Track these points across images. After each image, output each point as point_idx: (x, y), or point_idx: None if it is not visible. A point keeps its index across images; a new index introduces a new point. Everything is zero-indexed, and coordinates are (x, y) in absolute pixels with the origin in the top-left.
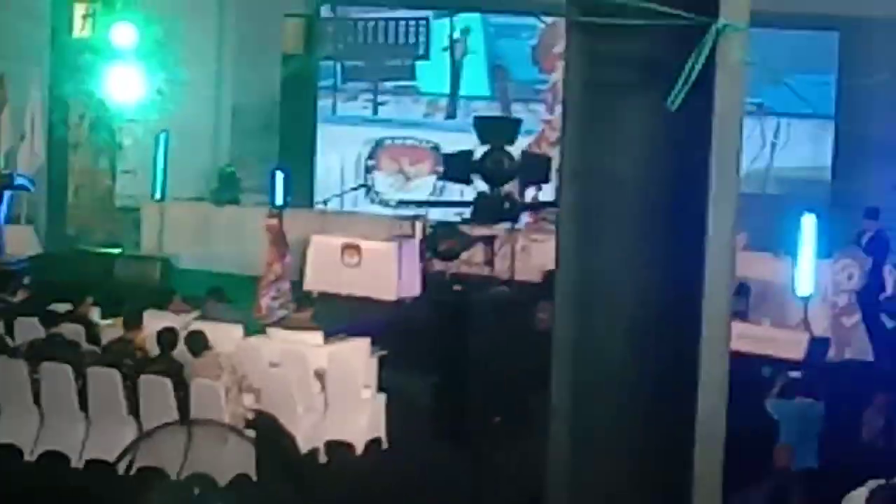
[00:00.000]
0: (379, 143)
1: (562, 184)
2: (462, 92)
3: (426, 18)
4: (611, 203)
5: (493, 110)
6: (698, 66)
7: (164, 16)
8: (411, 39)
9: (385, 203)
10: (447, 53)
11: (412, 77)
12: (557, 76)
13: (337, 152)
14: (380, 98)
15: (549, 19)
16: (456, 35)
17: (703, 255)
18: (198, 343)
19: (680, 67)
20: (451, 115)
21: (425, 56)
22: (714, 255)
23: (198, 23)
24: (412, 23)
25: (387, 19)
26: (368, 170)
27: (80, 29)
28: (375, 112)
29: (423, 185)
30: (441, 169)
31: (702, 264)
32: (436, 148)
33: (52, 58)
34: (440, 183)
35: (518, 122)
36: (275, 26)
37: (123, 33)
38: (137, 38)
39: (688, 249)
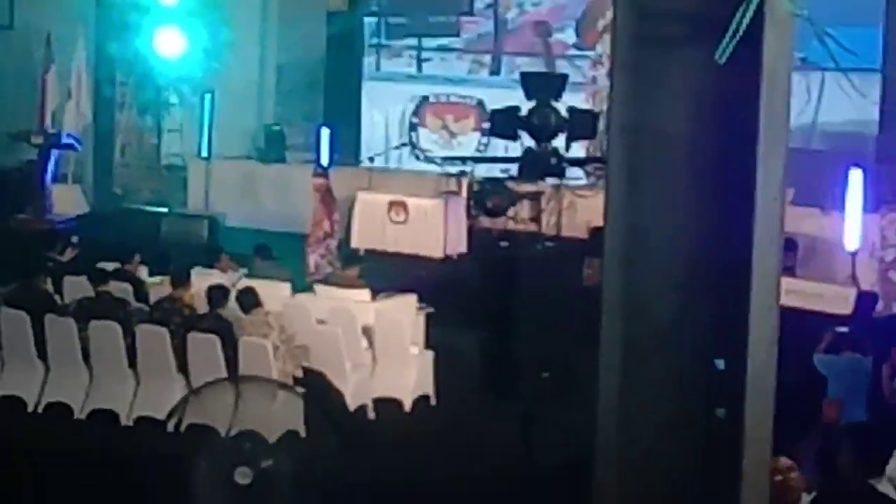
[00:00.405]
0: (423, 100)
1: (610, 139)
2: (506, 48)
3: None
4: (659, 158)
5: (538, 66)
6: (747, 19)
7: None
8: None
9: (430, 160)
10: (491, 9)
11: (456, 33)
12: (601, 49)
13: (381, 110)
14: (424, 55)
15: None
16: None
17: (752, 210)
18: (249, 300)
19: (728, 21)
20: (495, 71)
21: (469, 12)
22: (764, 210)
23: None
24: None
25: None
26: (413, 127)
27: None
28: (420, 69)
29: (468, 142)
30: (485, 125)
31: (751, 219)
32: (480, 104)
33: (98, 17)
34: (484, 139)
35: (565, 77)
36: None
37: None
38: None
39: (737, 204)
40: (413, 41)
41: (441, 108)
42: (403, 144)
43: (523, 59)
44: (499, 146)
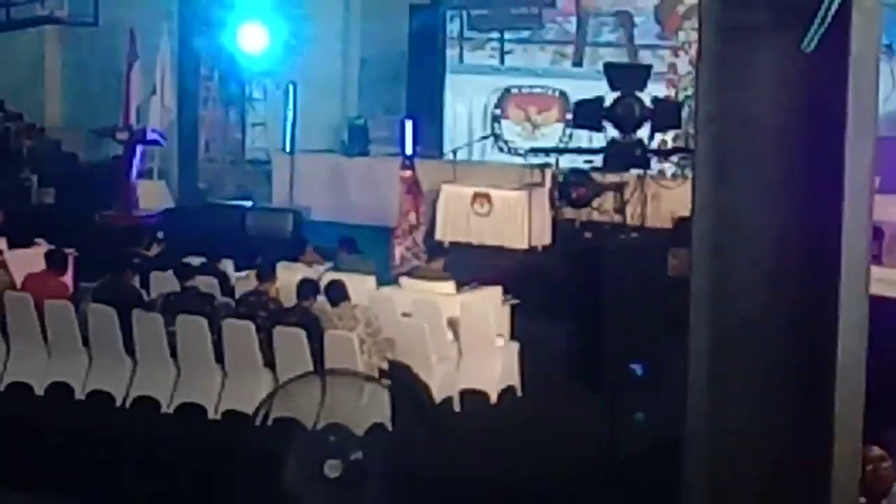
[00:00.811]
0: (506, 92)
1: (697, 128)
2: (588, 39)
3: None
4: (746, 147)
5: (621, 57)
6: (834, 7)
7: None
8: None
9: (514, 151)
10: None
11: (539, 25)
12: (684, 37)
13: (464, 102)
14: (506, 46)
15: None
16: None
17: (840, 198)
18: (337, 292)
19: (814, 9)
20: (577, 62)
21: (551, 3)
22: (852, 198)
23: None
24: None
25: None
26: (496, 119)
27: None
28: (502, 61)
29: (551, 133)
30: (568, 116)
31: (840, 207)
32: (563, 95)
33: (182, 12)
34: (568, 130)
35: (648, 68)
36: None
37: None
38: None
39: (825, 192)
40: (495, 33)
41: (524, 99)
42: (486, 137)
43: (606, 49)
44: (582, 137)
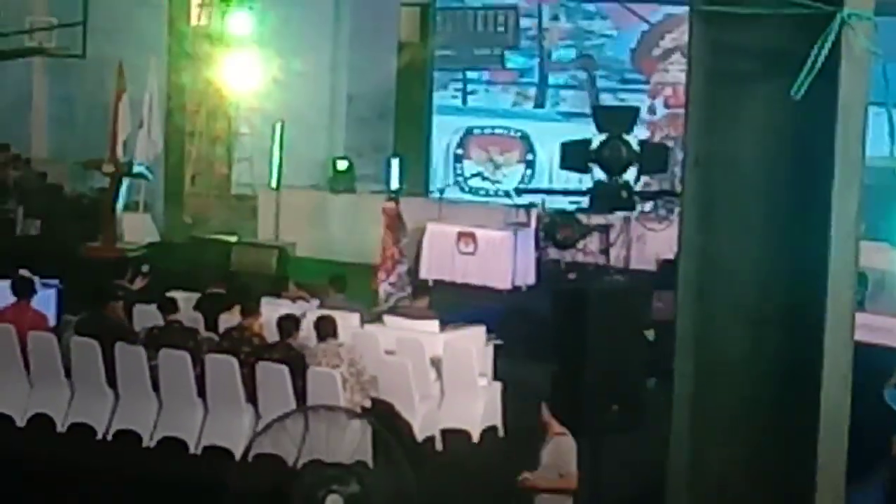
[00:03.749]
0: (468, 132)
1: (684, 172)
2: (550, 81)
3: (515, 7)
4: (733, 191)
5: (582, 99)
6: (823, 55)
7: (279, 4)
8: (500, 28)
9: (474, 192)
10: (535, 42)
11: (501, 66)
12: (658, 78)
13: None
14: (469, 87)
15: (653, 19)
16: (545, 23)
17: (826, 246)
18: (326, 329)
19: (804, 57)
20: (539, 104)
21: (515, 45)
22: (838, 246)
23: (313, 11)
24: (501, 11)
25: (475, 8)
26: (458, 159)
27: (198, 18)
28: (465, 101)
29: (512, 174)
30: (529, 157)
31: (826, 254)
32: (524, 137)
33: (170, 46)
34: (528, 172)
35: (636, 110)
36: (390, 15)
37: (240, 22)
38: (253, 27)
39: (811, 239)
40: (459, 74)
41: (486, 140)
42: (448, 185)
43: (568, 91)
44: (542, 179)
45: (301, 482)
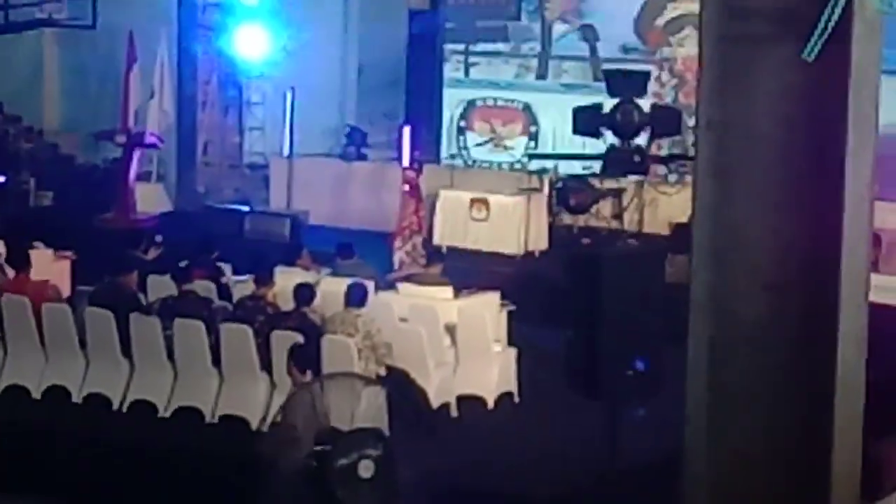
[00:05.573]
0: (471, 104)
1: (697, 136)
2: (553, 52)
3: None
4: (747, 155)
5: (585, 70)
6: (835, 17)
7: None
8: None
9: (477, 164)
10: (537, 13)
11: (504, 38)
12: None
13: None
14: (471, 59)
15: None
16: None
17: (840, 208)
18: (358, 294)
19: (815, 19)
20: (541, 75)
21: (517, 16)
22: (852, 207)
23: None
24: None
25: None
26: (461, 131)
27: None
28: (467, 73)
29: (515, 146)
30: (532, 129)
31: (840, 216)
32: (527, 108)
33: (181, 16)
34: (532, 143)
35: (647, 74)
36: None
37: None
38: None
39: (825, 201)
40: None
41: (488, 112)
42: (453, 156)
43: (570, 62)
44: (546, 150)
45: (335, 450)
